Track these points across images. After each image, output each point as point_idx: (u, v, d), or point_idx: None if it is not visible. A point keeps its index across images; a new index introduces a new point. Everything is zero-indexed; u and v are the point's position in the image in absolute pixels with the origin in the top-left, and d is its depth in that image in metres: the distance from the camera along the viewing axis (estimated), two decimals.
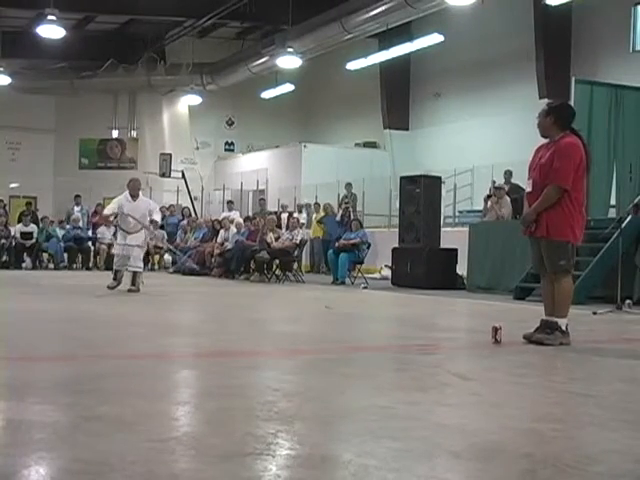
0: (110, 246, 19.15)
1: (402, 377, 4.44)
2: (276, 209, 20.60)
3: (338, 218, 18.00)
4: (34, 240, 18.93)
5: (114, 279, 11.22)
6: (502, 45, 19.23)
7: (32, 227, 19.21)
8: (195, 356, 5.23)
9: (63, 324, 6.85)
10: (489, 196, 14.60)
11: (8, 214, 20.84)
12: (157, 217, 11.65)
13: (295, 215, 18.23)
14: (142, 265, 11.62)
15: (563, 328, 5.72)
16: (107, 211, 11.69)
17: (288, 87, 23.50)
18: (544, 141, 5.96)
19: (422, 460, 2.60)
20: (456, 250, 13.49)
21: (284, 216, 18.41)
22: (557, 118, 5.81)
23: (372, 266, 16.80)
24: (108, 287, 10.96)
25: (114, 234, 17.05)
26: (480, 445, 2.78)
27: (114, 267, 11.44)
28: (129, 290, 10.92)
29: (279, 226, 16.92)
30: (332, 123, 25.58)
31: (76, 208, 21.14)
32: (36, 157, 25.66)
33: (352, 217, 17.03)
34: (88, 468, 2.39)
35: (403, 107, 23.23)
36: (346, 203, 18.61)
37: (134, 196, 11.27)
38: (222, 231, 17.57)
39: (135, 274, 11.17)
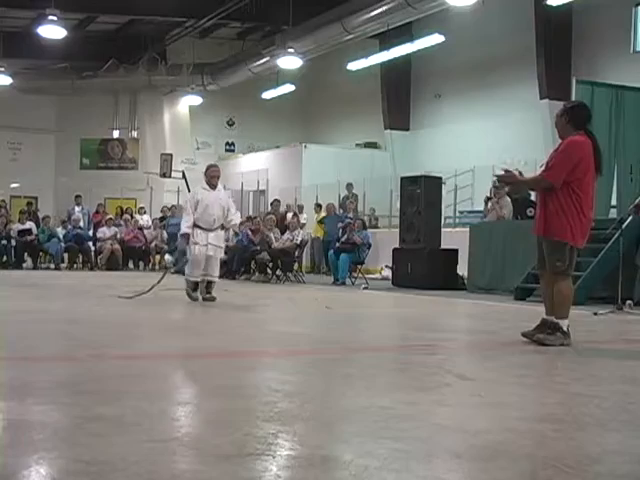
0: (112, 245, 19.34)
1: (402, 377, 4.44)
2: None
3: (351, 215, 17.62)
4: (33, 236, 18.91)
5: (193, 294, 9.46)
6: (503, 46, 19.23)
7: (29, 224, 19.23)
8: (196, 356, 5.23)
9: (64, 324, 6.85)
10: (489, 198, 14.59)
11: (9, 214, 20.85)
12: (237, 220, 10.01)
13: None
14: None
15: (564, 329, 5.70)
16: (186, 226, 9.37)
17: (289, 87, 23.49)
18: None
19: (423, 460, 2.60)
20: (457, 251, 13.49)
21: (289, 215, 18.36)
22: (571, 118, 5.77)
23: (373, 267, 16.79)
24: (192, 299, 9.45)
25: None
26: (480, 445, 2.78)
27: (191, 277, 9.50)
28: (206, 299, 9.45)
29: (285, 227, 16.86)
30: (333, 123, 25.59)
31: (77, 208, 21.15)
32: (37, 157, 25.68)
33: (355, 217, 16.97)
34: (89, 468, 2.39)
35: (404, 107, 23.23)
36: (351, 203, 18.58)
37: (213, 185, 9.53)
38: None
39: (212, 281, 9.61)
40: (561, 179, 5.60)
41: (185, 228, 9.40)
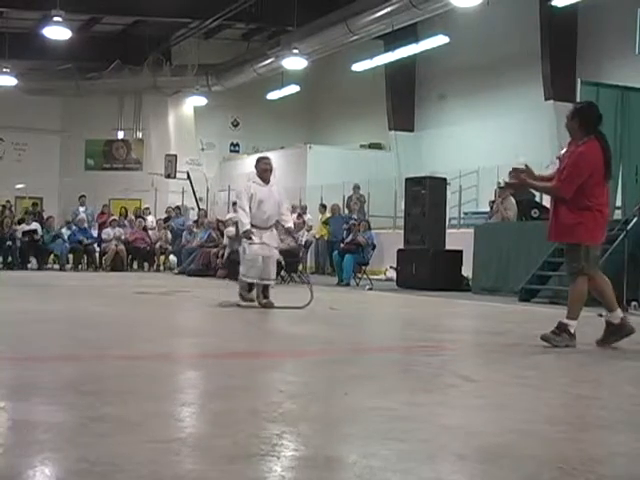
0: (116, 246, 19.34)
1: (407, 378, 4.43)
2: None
3: (355, 216, 17.60)
4: (39, 237, 18.92)
5: (247, 295, 8.69)
6: (507, 46, 19.19)
7: (34, 225, 19.25)
8: (200, 357, 5.23)
9: (68, 325, 6.86)
10: (493, 201, 14.58)
11: (14, 215, 20.86)
12: (290, 222, 9.15)
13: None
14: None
15: (571, 331, 5.68)
16: (247, 222, 8.47)
17: (293, 88, 23.49)
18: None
19: (427, 462, 2.59)
20: (461, 252, 13.48)
21: (294, 216, 18.34)
22: (582, 121, 5.72)
23: (377, 267, 16.78)
24: (241, 304, 8.69)
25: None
26: (485, 447, 2.78)
27: (246, 278, 8.68)
28: (264, 305, 8.60)
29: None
30: (337, 124, 25.56)
31: (81, 209, 21.14)
32: (42, 158, 25.69)
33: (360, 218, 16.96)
34: (93, 469, 2.40)
35: (408, 108, 23.21)
36: (355, 204, 18.55)
37: (266, 179, 8.65)
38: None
39: (268, 285, 8.78)
40: (572, 192, 5.59)
41: (246, 224, 8.46)
